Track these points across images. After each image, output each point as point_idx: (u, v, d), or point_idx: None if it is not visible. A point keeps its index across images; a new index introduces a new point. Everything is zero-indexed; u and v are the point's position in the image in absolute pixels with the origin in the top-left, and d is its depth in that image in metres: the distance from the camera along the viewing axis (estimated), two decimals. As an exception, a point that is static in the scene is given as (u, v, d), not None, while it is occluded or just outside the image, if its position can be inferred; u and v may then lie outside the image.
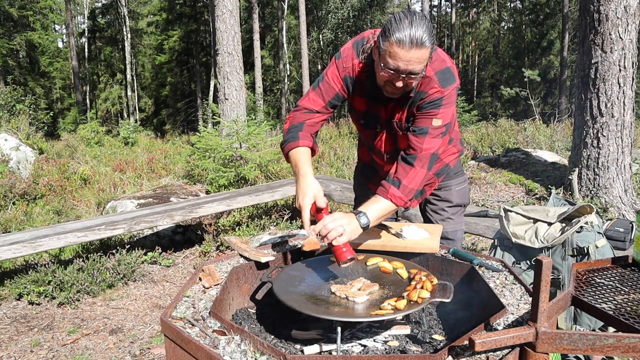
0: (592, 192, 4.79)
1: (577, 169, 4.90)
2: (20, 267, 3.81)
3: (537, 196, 5.18)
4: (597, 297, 1.26)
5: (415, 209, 2.67)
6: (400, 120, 1.81)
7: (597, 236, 2.19)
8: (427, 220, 2.17)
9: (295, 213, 4.80)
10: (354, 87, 1.82)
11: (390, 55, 1.54)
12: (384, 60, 1.56)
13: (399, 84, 1.60)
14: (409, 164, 1.71)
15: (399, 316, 1.36)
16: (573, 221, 2.23)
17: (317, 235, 1.54)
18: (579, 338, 1.03)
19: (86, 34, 27.63)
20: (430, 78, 1.68)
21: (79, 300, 3.42)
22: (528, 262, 2.30)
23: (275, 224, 4.66)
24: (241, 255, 1.73)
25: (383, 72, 1.59)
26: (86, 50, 27.17)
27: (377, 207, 1.66)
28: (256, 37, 17.94)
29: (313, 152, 1.82)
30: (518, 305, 1.35)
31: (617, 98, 4.63)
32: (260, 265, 1.69)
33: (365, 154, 2.19)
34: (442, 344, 1.36)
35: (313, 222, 1.57)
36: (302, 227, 4.60)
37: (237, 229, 4.48)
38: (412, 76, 1.58)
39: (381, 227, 1.90)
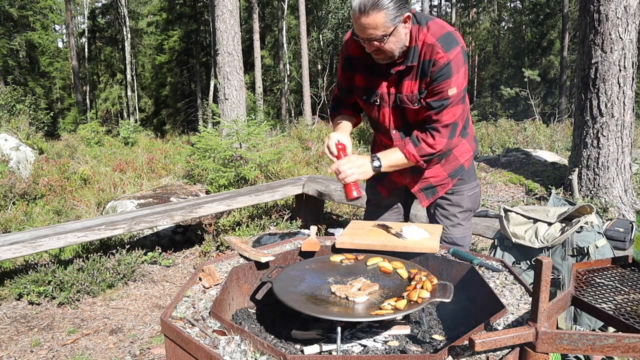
0: (592, 192, 4.79)
1: (577, 169, 4.90)
2: (20, 267, 3.81)
3: (537, 196, 5.18)
4: (597, 297, 1.26)
5: (415, 209, 2.67)
6: (412, 92, 1.82)
7: (597, 236, 2.19)
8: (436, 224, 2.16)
9: (294, 213, 4.80)
10: (354, 65, 1.92)
11: (355, 25, 1.70)
12: (355, 32, 1.73)
13: (368, 48, 1.74)
14: (431, 132, 1.83)
15: (399, 316, 1.36)
16: (573, 221, 2.23)
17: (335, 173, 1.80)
18: (579, 338, 1.03)
19: (86, 34, 27.63)
20: (432, 45, 1.72)
21: (79, 300, 3.42)
22: (528, 262, 2.30)
23: (275, 224, 4.66)
24: (241, 255, 1.73)
25: (361, 43, 1.75)
26: (86, 50, 27.18)
27: (391, 157, 1.87)
28: (256, 37, 17.94)
29: (357, 119, 2.09)
30: (518, 305, 1.35)
31: (617, 98, 4.63)
32: (260, 265, 1.70)
33: (378, 150, 2.17)
34: (442, 344, 1.36)
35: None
36: (302, 227, 4.55)
37: (237, 229, 4.48)
38: (374, 42, 1.69)
39: (381, 227, 1.91)
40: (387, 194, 2.20)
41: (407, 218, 2.31)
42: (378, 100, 1.91)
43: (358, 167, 1.78)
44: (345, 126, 1.98)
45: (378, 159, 1.84)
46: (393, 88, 1.86)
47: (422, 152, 1.84)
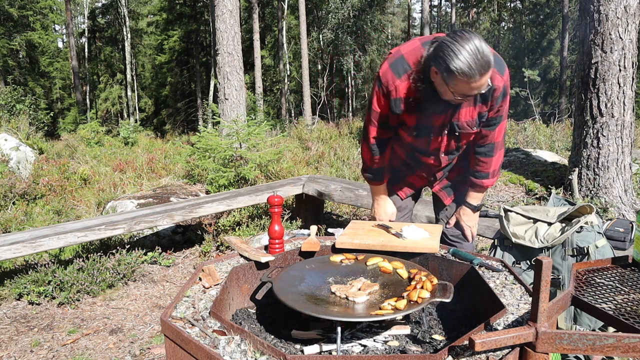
0: (592, 192, 4.79)
1: (577, 169, 4.90)
2: (20, 267, 3.81)
3: (537, 196, 5.18)
4: (597, 297, 1.25)
5: (416, 209, 2.67)
6: (472, 117, 1.84)
7: (597, 236, 2.19)
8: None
9: (294, 213, 4.80)
10: (405, 106, 1.83)
11: (461, 86, 1.61)
12: (454, 89, 1.63)
13: (469, 99, 1.72)
14: (489, 156, 1.96)
15: (399, 316, 1.36)
16: (573, 221, 2.22)
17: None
18: (579, 338, 1.03)
19: (86, 34, 27.63)
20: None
21: (79, 300, 3.42)
22: (528, 262, 2.30)
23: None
24: (241, 255, 1.73)
25: (452, 95, 1.66)
26: (86, 50, 27.18)
27: (479, 195, 2.10)
28: (256, 37, 17.93)
29: None
30: (518, 305, 1.35)
31: (617, 98, 4.63)
32: (260, 265, 1.70)
33: (397, 159, 2.16)
34: (442, 344, 1.36)
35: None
36: (302, 227, 4.55)
37: (237, 229, 4.48)
38: (481, 92, 1.68)
39: (381, 227, 1.91)
40: (405, 196, 2.23)
41: (411, 218, 2.35)
42: (432, 134, 1.90)
43: (474, 221, 2.13)
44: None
45: (469, 204, 2.10)
46: (448, 117, 1.85)
47: (495, 175, 2.03)
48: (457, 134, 1.88)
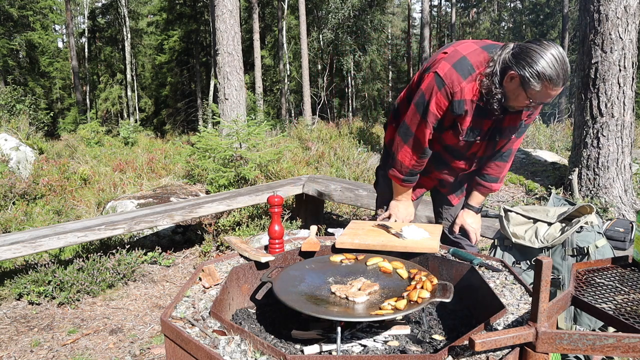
0: (592, 192, 4.79)
1: (577, 169, 4.90)
2: (20, 267, 3.81)
3: (537, 196, 5.18)
4: (597, 297, 1.25)
5: (416, 209, 2.68)
6: (515, 124, 1.85)
7: (597, 236, 2.19)
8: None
9: (294, 213, 4.80)
10: (468, 108, 1.78)
11: (541, 92, 1.61)
12: (532, 95, 1.62)
13: (531, 107, 1.72)
14: (504, 161, 2.03)
15: (399, 316, 1.36)
16: (573, 221, 2.22)
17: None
18: (579, 338, 1.03)
19: (86, 34, 27.63)
20: None
21: (79, 300, 3.42)
22: (528, 262, 2.30)
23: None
24: (241, 255, 1.73)
25: (526, 101, 1.66)
26: (86, 50, 27.18)
27: (481, 198, 2.16)
28: (256, 37, 17.93)
29: None
30: (518, 305, 1.35)
31: (617, 98, 4.63)
32: (260, 265, 1.70)
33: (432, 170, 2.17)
34: (442, 344, 1.36)
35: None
36: (302, 227, 4.55)
37: (237, 229, 4.48)
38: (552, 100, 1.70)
39: (381, 227, 1.90)
40: (415, 198, 2.26)
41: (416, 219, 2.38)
42: (478, 138, 1.87)
43: (478, 223, 2.19)
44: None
45: (472, 206, 2.17)
46: (494, 123, 1.84)
47: (501, 181, 2.10)
48: (497, 139, 1.88)
